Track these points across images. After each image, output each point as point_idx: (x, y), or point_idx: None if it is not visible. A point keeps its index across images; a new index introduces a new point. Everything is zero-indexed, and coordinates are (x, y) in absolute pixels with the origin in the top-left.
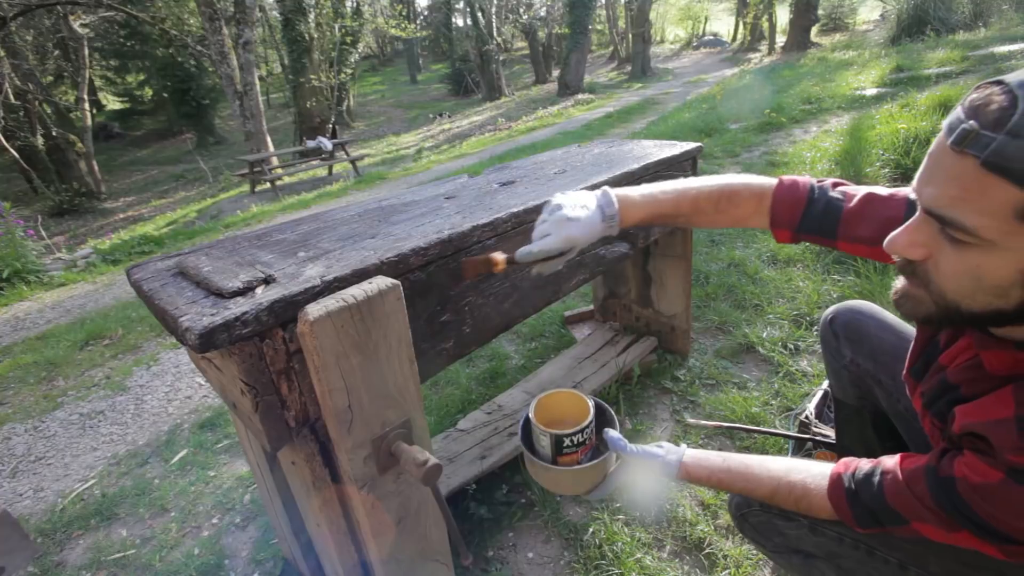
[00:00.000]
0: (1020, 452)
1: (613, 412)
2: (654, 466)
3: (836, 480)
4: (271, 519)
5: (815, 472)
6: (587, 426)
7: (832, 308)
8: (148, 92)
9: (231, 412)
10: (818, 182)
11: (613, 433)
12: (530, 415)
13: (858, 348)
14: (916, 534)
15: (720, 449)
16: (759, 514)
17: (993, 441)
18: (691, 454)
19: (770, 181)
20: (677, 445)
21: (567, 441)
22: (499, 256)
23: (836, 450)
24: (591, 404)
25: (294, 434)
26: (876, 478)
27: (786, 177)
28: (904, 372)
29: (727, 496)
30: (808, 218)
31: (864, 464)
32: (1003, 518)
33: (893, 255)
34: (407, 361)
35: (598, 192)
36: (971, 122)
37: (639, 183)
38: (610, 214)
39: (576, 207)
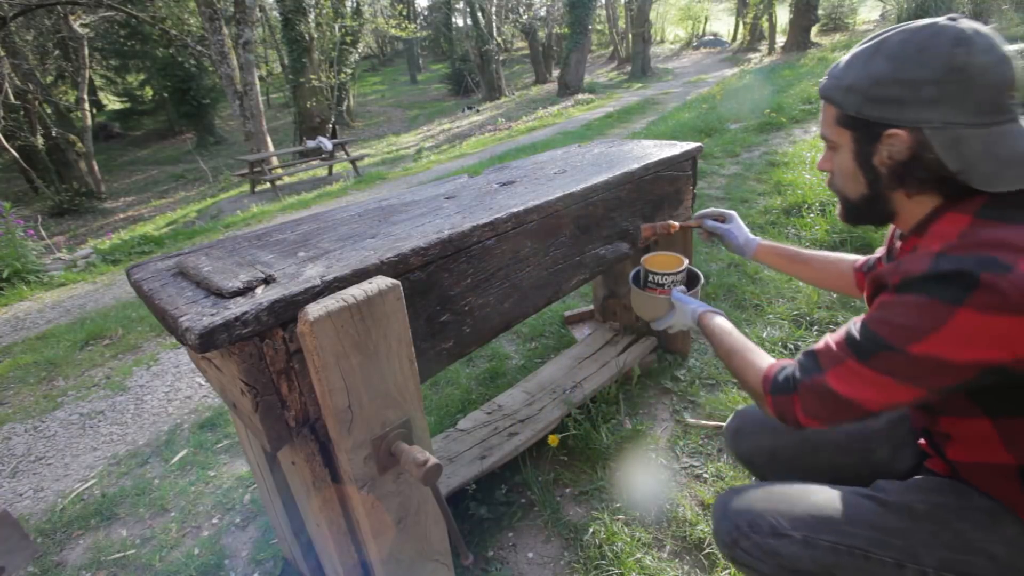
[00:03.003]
0: (896, 275)
1: (703, 280)
2: (687, 310)
3: (777, 363)
4: (271, 519)
5: (771, 361)
6: (668, 274)
7: (729, 438)
8: (148, 92)
9: (231, 412)
10: None
11: (680, 288)
12: (643, 259)
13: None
14: (826, 390)
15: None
16: (749, 536)
17: (886, 279)
18: (719, 319)
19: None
20: (717, 310)
21: (651, 277)
22: (675, 223)
23: None
24: (682, 268)
25: (294, 434)
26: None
27: None
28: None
29: (712, 528)
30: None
31: None
32: (888, 319)
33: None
34: (407, 361)
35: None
36: None
37: (639, 183)
38: (750, 238)
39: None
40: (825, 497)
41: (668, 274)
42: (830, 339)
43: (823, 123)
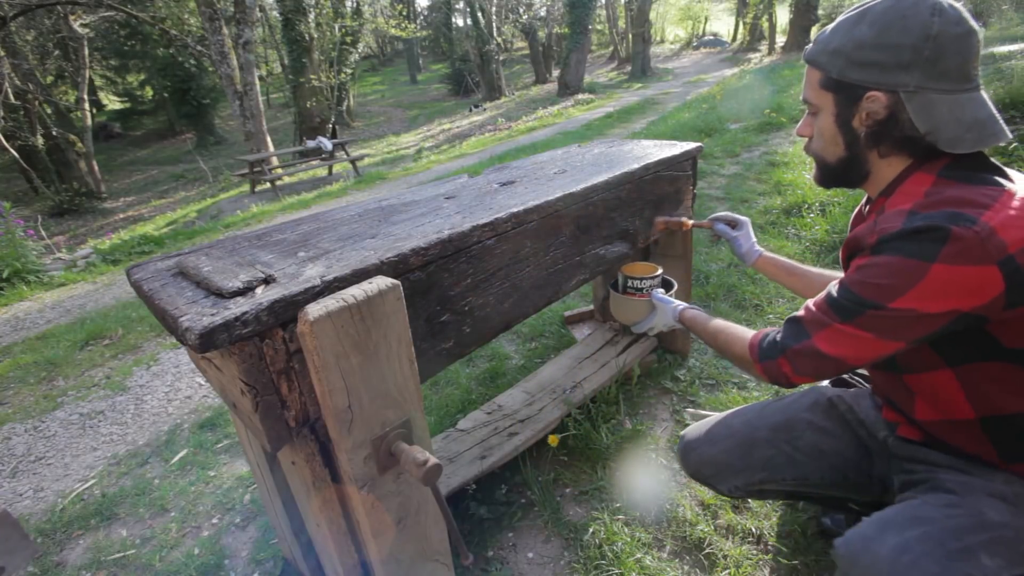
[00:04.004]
0: (872, 234)
1: (676, 286)
2: (668, 309)
3: (759, 332)
4: (271, 519)
5: (754, 332)
6: (644, 279)
7: (679, 459)
8: (148, 92)
9: (231, 412)
10: None
11: (658, 290)
12: (622, 268)
13: (727, 476)
14: (815, 352)
15: None
16: None
17: (863, 241)
18: (698, 310)
19: None
20: (694, 305)
21: (629, 282)
22: (688, 220)
23: None
24: (657, 274)
25: (294, 434)
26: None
27: None
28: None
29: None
30: None
31: None
32: (868, 280)
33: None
34: (407, 361)
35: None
36: None
37: (639, 183)
38: (754, 248)
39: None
40: (977, 516)
41: (646, 278)
42: (811, 304)
43: (807, 87)
